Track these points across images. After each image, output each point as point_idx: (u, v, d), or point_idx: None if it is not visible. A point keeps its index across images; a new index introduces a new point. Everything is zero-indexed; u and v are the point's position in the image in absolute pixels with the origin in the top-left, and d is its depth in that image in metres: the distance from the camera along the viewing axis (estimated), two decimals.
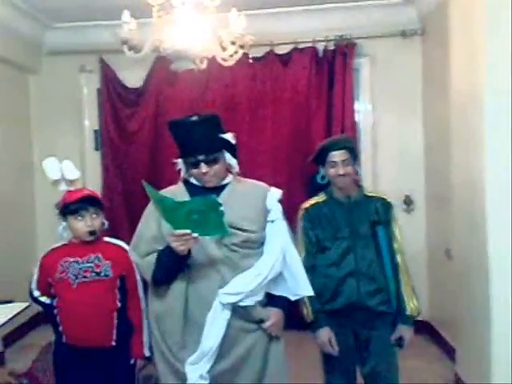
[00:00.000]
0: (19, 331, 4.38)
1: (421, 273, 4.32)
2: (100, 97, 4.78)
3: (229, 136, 2.10)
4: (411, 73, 4.51)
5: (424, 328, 4.20)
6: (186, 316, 1.99)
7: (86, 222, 2.31)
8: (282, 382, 2.11)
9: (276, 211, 2.11)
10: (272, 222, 2.10)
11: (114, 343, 2.33)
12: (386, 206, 2.51)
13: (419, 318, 4.11)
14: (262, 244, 2.08)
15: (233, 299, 1.94)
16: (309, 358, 2.79)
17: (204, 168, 2.01)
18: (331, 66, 4.45)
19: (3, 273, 4.04)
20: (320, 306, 2.42)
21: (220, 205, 1.80)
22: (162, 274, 2.00)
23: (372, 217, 2.45)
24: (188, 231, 1.83)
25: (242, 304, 1.97)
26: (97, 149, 4.84)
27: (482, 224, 2.87)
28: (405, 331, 2.44)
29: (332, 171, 2.44)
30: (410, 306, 2.42)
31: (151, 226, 2.06)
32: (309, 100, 4.47)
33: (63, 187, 3.12)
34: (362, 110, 4.64)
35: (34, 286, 2.43)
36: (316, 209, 2.50)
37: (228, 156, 2.09)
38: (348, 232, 2.43)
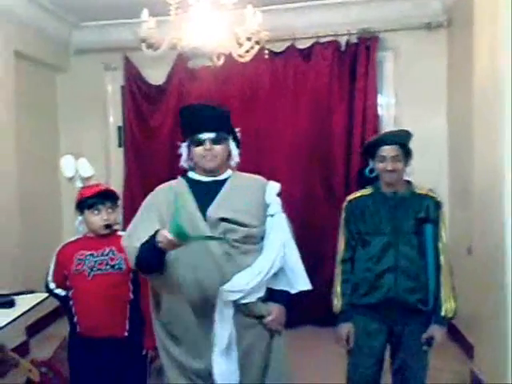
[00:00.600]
0: (44, 321, 4.51)
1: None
2: (124, 94, 4.86)
3: (236, 129, 2.14)
4: (436, 66, 4.42)
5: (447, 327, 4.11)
6: (189, 314, 2.00)
7: (102, 216, 2.40)
8: (284, 377, 2.10)
9: (275, 205, 2.10)
10: (272, 216, 2.09)
11: (126, 334, 2.39)
12: (436, 204, 2.45)
13: None
14: (262, 239, 2.07)
15: (235, 296, 1.95)
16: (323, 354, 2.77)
17: (208, 144, 2.01)
18: (354, 60, 4.40)
19: (29, 264, 4.14)
20: (351, 299, 2.42)
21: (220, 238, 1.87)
22: (144, 263, 1.98)
23: (419, 214, 2.39)
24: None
25: (243, 301, 1.97)
26: (120, 145, 4.93)
27: (503, 221, 2.80)
28: (437, 331, 2.39)
29: (380, 166, 2.40)
30: (447, 306, 2.37)
31: (151, 218, 2.04)
32: (330, 94, 4.43)
33: (78, 184, 3.23)
34: (385, 103, 4.57)
35: (50, 278, 2.51)
36: (360, 201, 2.48)
37: (233, 145, 2.11)
38: (390, 227, 2.39)
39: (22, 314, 2.67)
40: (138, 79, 4.74)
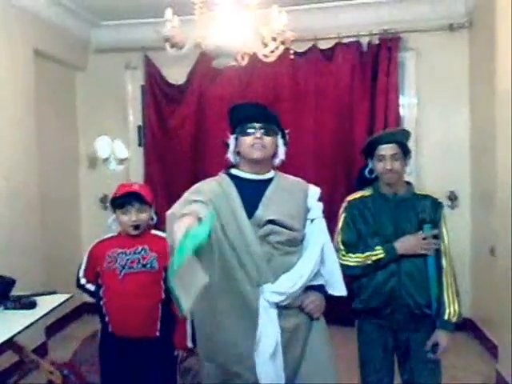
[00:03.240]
0: (62, 321, 4.51)
1: (464, 270, 4.25)
2: (144, 93, 4.85)
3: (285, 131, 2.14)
4: (457, 67, 4.41)
5: (466, 325, 4.13)
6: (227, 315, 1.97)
7: (131, 217, 2.39)
8: (326, 367, 2.06)
9: (317, 210, 2.09)
10: (312, 220, 2.08)
11: (157, 334, 2.38)
12: (436, 205, 2.40)
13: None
14: (301, 242, 2.06)
15: (278, 299, 1.93)
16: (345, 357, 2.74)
17: (259, 133, 2.01)
18: (375, 61, 4.38)
19: (48, 262, 4.16)
20: (356, 304, 2.40)
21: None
22: None
23: (420, 215, 2.35)
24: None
25: (284, 303, 1.95)
26: (140, 145, 4.91)
27: None
28: (441, 336, 2.30)
29: (380, 165, 2.36)
30: (450, 310, 2.30)
31: (197, 197, 1.97)
32: (352, 95, 4.42)
33: (113, 166, 3.24)
34: (407, 104, 4.55)
35: (81, 274, 2.51)
36: (360, 203, 2.43)
37: (280, 142, 2.09)
38: (392, 229, 2.34)
39: (44, 315, 2.67)
40: (159, 79, 4.73)
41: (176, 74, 4.73)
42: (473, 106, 4.33)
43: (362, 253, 2.33)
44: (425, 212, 2.36)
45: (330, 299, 2.12)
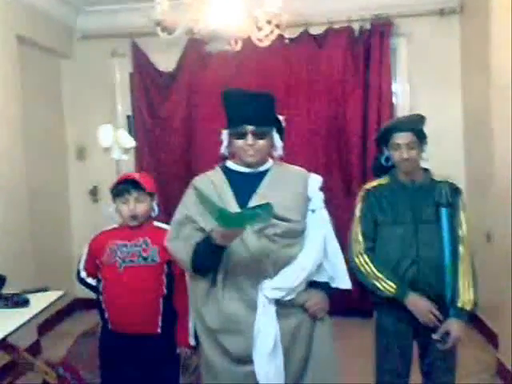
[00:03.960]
0: (54, 319, 4.40)
1: None
2: (132, 81, 4.74)
3: (281, 118, 2.03)
4: (449, 52, 4.39)
5: (470, 317, 4.13)
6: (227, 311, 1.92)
7: (129, 206, 2.30)
8: (328, 368, 2.01)
9: (318, 200, 2.02)
10: (313, 211, 2.00)
11: (159, 330, 2.31)
12: (454, 190, 2.36)
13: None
14: (303, 232, 1.99)
15: (278, 294, 1.88)
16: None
17: (251, 139, 1.90)
18: (367, 46, 4.35)
19: (37, 257, 4.05)
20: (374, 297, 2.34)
21: (272, 208, 1.68)
22: (203, 265, 1.91)
23: (436, 199, 2.30)
24: (238, 228, 1.76)
25: (285, 299, 1.90)
26: (130, 135, 4.79)
27: None
28: (452, 325, 2.22)
29: (396, 154, 2.32)
30: (465, 297, 2.23)
31: (194, 216, 1.94)
32: (344, 81, 4.38)
33: (117, 155, 3.11)
34: (400, 91, 4.54)
35: (81, 266, 2.44)
36: (377, 191, 2.39)
37: (276, 137, 2.00)
38: (410, 217, 2.29)
39: (38, 314, 2.61)
40: (147, 66, 4.62)
41: (165, 61, 4.62)
42: (465, 91, 4.32)
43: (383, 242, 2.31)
44: (441, 197, 2.30)
45: (340, 291, 2.08)
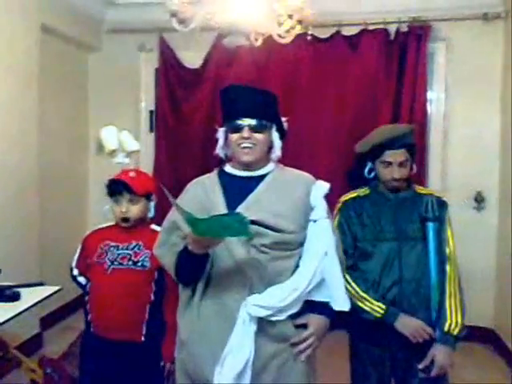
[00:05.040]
0: (60, 313, 4.34)
1: (488, 278, 4.04)
2: (158, 77, 4.64)
3: (283, 118, 1.85)
4: (491, 60, 4.13)
5: (489, 337, 3.93)
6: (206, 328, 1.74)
7: (121, 208, 2.19)
8: None
9: (320, 209, 1.78)
10: (315, 221, 1.77)
11: (143, 339, 2.17)
12: (440, 203, 2.14)
13: (483, 325, 3.90)
14: (301, 245, 1.77)
15: (263, 313, 1.65)
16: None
17: (246, 132, 1.74)
18: (403, 50, 4.12)
19: (54, 247, 4.01)
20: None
21: (245, 218, 1.49)
22: (185, 274, 1.76)
23: (423, 214, 2.10)
24: (208, 237, 1.59)
25: (271, 319, 1.67)
26: (151, 130, 4.73)
27: None
28: (438, 352, 2.01)
29: (385, 172, 2.12)
30: (452, 321, 2.02)
31: (177, 214, 1.74)
32: (376, 86, 4.16)
33: (120, 159, 3.00)
34: (434, 98, 4.28)
35: (74, 263, 2.35)
36: (356, 203, 2.18)
37: (275, 135, 1.82)
38: (393, 233, 2.09)
39: (27, 309, 2.46)
40: (174, 62, 4.51)
41: (192, 58, 4.50)
42: (505, 101, 4.04)
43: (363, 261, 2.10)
44: (428, 210, 2.09)
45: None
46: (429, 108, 4.24)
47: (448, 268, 2.09)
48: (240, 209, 1.70)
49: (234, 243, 1.67)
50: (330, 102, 4.23)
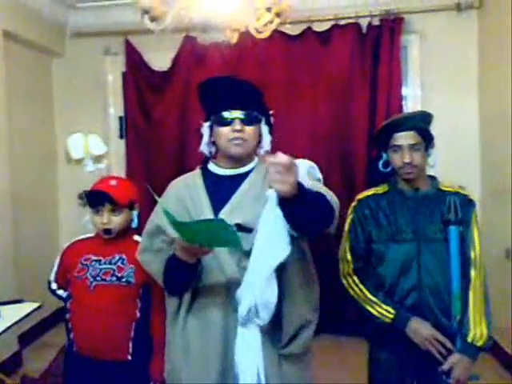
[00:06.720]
0: (38, 329, 4.19)
1: None
2: (125, 81, 4.50)
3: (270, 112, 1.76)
4: (466, 51, 4.05)
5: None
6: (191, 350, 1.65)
7: (102, 219, 2.05)
8: None
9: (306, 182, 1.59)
10: None
11: (129, 357, 2.05)
12: (466, 203, 1.98)
13: None
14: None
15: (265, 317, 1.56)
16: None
17: (238, 125, 1.63)
18: (376, 44, 4.02)
19: (21, 266, 3.85)
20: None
21: (230, 226, 1.40)
22: (173, 283, 1.68)
23: (445, 215, 1.94)
24: (196, 246, 1.49)
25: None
26: (121, 137, 4.57)
27: None
28: (458, 363, 1.87)
29: (396, 158, 1.97)
30: (476, 332, 1.88)
31: (161, 218, 1.65)
32: (350, 82, 4.06)
33: (90, 167, 2.88)
34: (410, 92, 4.19)
35: (52, 277, 2.23)
36: (372, 201, 2.04)
37: (265, 129, 1.72)
38: (411, 234, 1.95)
39: (8, 329, 2.37)
40: (141, 65, 4.36)
41: (159, 60, 4.36)
42: (483, 93, 3.98)
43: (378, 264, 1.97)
44: (451, 211, 1.93)
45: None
46: (404, 101, 4.14)
47: (472, 273, 1.94)
48: (224, 212, 1.62)
49: (229, 264, 1.59)
50: (304, 100, 4.11)
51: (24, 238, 4.01)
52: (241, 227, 1.55)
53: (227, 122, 1.65)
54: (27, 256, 4.01)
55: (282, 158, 1.33)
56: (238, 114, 1.64)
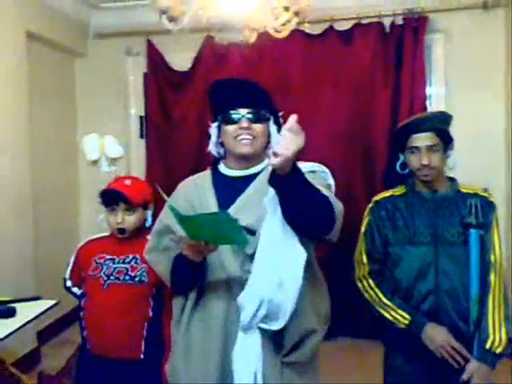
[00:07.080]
0: (57, 326, 4.24)
1: None
2: (146, 81, 4.52)
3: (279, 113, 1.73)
4: (492, 50, 3.95)
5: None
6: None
7: (117, 218, 2.06)
8: None
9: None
10: None
11: (142, 356, 2.06)
12: (487, 205, 1.93)
13: None
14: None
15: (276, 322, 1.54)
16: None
17: (245, 122, 1.61)
18: (399, 44, 3.96)
19: (45, 259, 3.91)
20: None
21: (235, 220, 1.38)
22: (180, 282, 1.68)
23: (466, 218, 1.89)
24: (202, 243, 1.48)
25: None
26: (142, 136, 4.60)
27: None
28: (477, 370, 1.83)
29: (413, 160, 1.93)
30: (495, 338, 1.83)
31: (170, 217, 1.64)
32: (373, 82, 4.01)
33: (105, 168, 2.87)
34: (434, 92, 4.11)
35: (67, 275, 2.24)
36: (390, 203, 2.00)
37: (273, 129, 1.69)
38: (429, 237, 1.90)
39: (23, 326, 2.36)
40: (162, 65, 4.37)
41: (180, 60, 4.37)
42: (509, 94, 3.87)
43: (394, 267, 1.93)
44: (471, 214, 1.89)
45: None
46: (428, 102, 4.06)
47: (492, 278, 1.90)
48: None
49: (225, 251, 1.57)
50: (325, 100, 4.08)
51: (44, 237, 4.05)
52: (245, 229, 1.51)
53: (234, 121, 1.63)
54: (47, 255, 4.05)
55: (294, 121, 1.35)
56: (244, 112, 1.62)
